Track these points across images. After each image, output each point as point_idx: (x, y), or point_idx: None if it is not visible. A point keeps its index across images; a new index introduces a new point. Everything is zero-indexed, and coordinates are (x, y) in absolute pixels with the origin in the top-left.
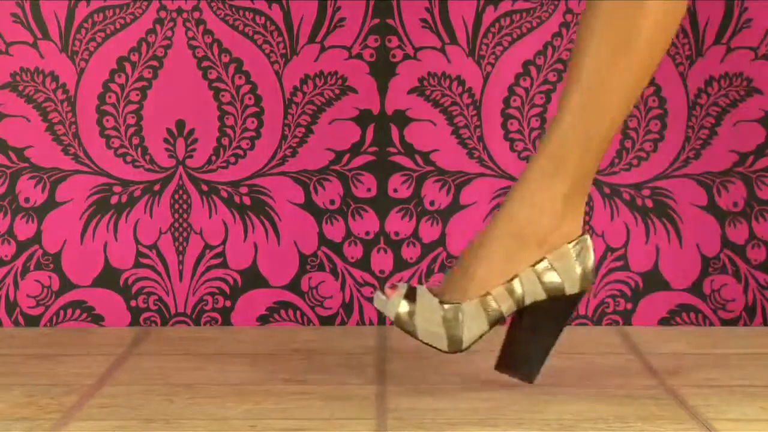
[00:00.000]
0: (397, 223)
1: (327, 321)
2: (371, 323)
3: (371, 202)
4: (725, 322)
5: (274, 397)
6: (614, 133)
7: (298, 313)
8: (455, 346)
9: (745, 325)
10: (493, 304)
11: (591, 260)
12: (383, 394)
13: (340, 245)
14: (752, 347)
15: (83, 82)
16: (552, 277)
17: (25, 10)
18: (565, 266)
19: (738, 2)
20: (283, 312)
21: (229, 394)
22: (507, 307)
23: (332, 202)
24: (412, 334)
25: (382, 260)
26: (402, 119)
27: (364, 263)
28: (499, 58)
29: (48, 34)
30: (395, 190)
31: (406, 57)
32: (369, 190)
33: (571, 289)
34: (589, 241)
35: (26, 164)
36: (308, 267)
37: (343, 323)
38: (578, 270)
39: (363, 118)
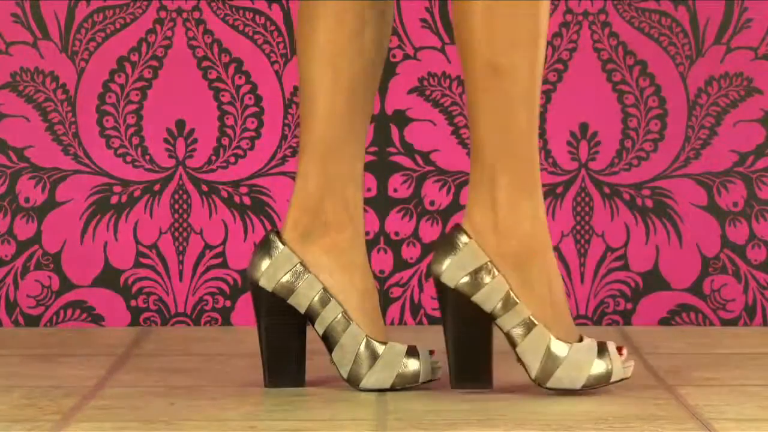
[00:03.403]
0: (397, 223)
1: None
2: None
3: (371, 202)
4: (725, 322)
5: (275, 398)
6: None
7: None
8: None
9: (745, 325)
10: None
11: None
12: (383, 395)
13: None
14: (752, 347)
15: (83, 82)
16: None
17: (25, 10)
18: None
19: (738, 2)
20: None
21: (230, 395)
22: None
23: None
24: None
25: (382, 260)
26: (402, 119)
27: None
28: None
29: (48, 34)
30: (395, 190)
31: (406, 57)
32: (369, 190)
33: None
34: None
35: (26, 164)
36: None
37: None
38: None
39: None
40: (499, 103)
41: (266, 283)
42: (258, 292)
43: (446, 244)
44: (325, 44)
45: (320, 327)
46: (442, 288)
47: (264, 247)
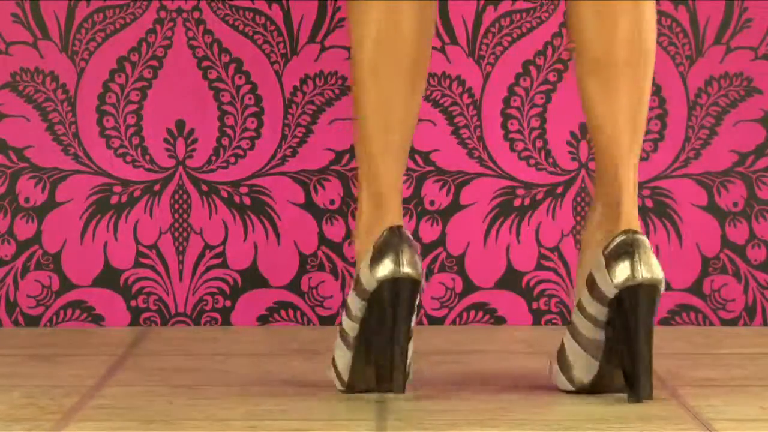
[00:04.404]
0: None
1: (327, 321)
2: None
3: None
4: (725, 322)
5: (275, 397)
6: (381, 126)
7: (298, 313)
8: (341, 382)
9: (745, 325)
10: (343, 331)
11: (388, 254)
12: (383, 395)
13: (340, 245)
14: (752, 347)
15: (83, 82)
16: (358, 285)
17: (25, 10)
18: (361, 269)
19: (738, 2)
20: (283, 312)
21: (230, 395)
22: (350, 328)
23: (332, 202)
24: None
25: None
26: None
27: None
28: (499, 58)
29: (48, 34)
30: None
31: None
32: None
33: (369, 287)
34: (386, 235)
35: (26, 164)
36: (308, 267)
37: None
38: (364, 268)
39: None
40: (644, 90)
41: (418, 277)
42: (414, 287)
43: (642, 246)
44: (403, 48)
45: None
46: (651, 293)
47: (407, 241)
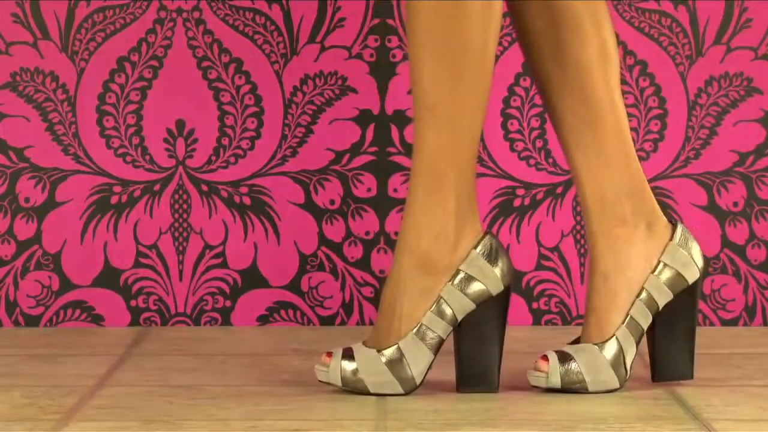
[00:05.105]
0: (397, 223)
1: (327, 321)
2: (371, 323)
3: (371, 202)
4: (725, 322)
5: (274, 397)
6: (478, 133)
7: (298, 313)
8: (409, 384)
9: (745, 325)
10: (429, 333)
11: (502, 257)
12: (383, 395)
13: (340, 245)
14: (752, 347)
15: (83, 82)
16: (474, 286)
17: (25, 10)
18: (479, 271)
19: (738, 2)
20: (283, 312)
21: (229, 395)
22: (442, 329)
23: (332, 202)
24: (364, 391)
25: (382, 260)
26: (402, 119)
27: (364, 263)
28: (499, 58)
29: (48, 34)
30: (395, 190)
31: (406, 57)
32: (369, 190)
33: (496, 289)
34: (492, 239)
35: (26, 164)
36: (308, 267)
37: (342, 323)
38: (495, 269)
39: (363, 118)
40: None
41: None
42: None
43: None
44: (476, 50)
45: None
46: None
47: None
